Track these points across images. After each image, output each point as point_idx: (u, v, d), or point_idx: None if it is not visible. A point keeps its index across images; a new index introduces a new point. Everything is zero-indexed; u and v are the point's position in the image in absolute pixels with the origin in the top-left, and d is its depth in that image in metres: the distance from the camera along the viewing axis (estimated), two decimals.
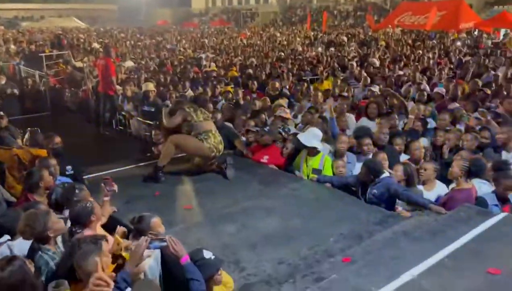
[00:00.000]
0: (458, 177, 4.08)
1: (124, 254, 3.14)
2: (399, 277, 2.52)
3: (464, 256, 2.79)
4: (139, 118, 7.88)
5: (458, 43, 16.08)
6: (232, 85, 9.45)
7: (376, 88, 7.89)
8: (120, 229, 3.34)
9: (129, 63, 12.03)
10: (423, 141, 5.47)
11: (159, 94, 8.36)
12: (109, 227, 3.56)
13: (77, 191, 3.52)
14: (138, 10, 57.02)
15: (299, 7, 48.43)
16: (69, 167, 4.69)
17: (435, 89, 7.69)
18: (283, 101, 7.27)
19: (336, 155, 5.03)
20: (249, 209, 4.26)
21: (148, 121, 7.45)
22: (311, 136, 5.00)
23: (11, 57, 14.26)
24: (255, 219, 4.04)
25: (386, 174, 4.30)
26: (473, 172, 4.07)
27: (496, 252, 2.80)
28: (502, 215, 3.42)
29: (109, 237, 3.23)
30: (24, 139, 5.23)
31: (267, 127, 5.78)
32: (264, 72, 10.91)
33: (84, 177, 4.96)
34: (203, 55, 13.89)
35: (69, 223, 3.30)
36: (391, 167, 4.66)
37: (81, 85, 9.90)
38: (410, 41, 18.20)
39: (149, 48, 16.99)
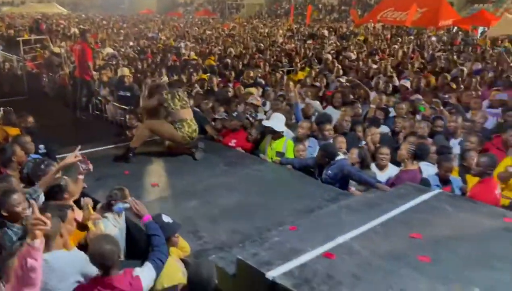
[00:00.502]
0: (405, 159, 4.44)
1: (90, 225, 3.41)
2: (334, 240, 2.85)
3: (393, 224, 3.13)
4: (114, 103, 8.07)
5: (433, 39, 16.57)
6: (209, 74, 9.67)
7: (343, 79, 8.23)
8: (86, 199, 3.57)
9: (108, 50, 12.11)
10: (384, 129, 5.85)
11: (135, 80, 8.54)
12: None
13: (42, 166, 3.73)
14: None
15: (285, 0, 48.41)
16: (41, 146, 4.88)
17: (401, 82, 8.08)
18: (254, 90, 7.54)
19: (297, 139, 5.33)
20: (213, 187, 4.54)
21: (123, 106, 7.65)
22: (276, 121, 5.30)
23: None
24: (217, 195, 4.33)
25: (341, 156, 4.62)
26: (418, 155, 4.44)
27: (422, 221, 3.15)
28: (436, 191, 3.80)
29: (77, 210, 3.48)
30: None
31: (235, 113, 6.06)
32: (241, 62, 11.15)
33: (56, 156, 5.16)
34: (183, 44, 14.04)
35: (43, 198, 3.52)
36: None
37: (58, 70, 9.98)
38: (388, 36, 18.62)
39: (130, 36, 17.01)
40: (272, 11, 46.67)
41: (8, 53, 12.25)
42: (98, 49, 11.48)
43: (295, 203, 4.14)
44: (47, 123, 6.87)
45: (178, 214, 3.84)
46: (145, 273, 2.67)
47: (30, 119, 5.22)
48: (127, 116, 6.72)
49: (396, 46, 14.69)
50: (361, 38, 18.25)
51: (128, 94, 7.77)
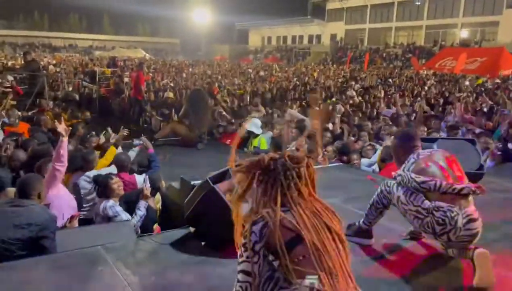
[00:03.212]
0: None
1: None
2: None
3: None
4: (157, 117, 10.29)
5: (467, 83, 17.32)
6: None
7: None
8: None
9: (164, 81, 14.80)
10: None
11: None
12: None
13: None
14: (199, 44, 62.05)
15: (350, 48, 50.19)
16: None
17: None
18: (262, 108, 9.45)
19: None
20: (202, 163, 6.36)
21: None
22: (254, 126, 7.11)
23: (78, 75, 17.70)
24: (202, 165, 6.07)
25: (291, 147, 6.21)
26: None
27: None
28: (340, 164, 5.29)
29: None
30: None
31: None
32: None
33: None
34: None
35: None
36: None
37: (122, 94, 12.61)
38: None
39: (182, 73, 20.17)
40: (336, 58, 48.70)
41: (90, 83, 15.36)
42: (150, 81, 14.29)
43: None
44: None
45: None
46: (140, 177, 4.54)
47: (88, 113, 7.59)
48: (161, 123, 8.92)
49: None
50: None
51: (167, 112, 9.97)
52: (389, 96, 13.42)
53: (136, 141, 5.69)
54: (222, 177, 3.08)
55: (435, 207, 2.65)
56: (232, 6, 60.99)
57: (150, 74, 16.90)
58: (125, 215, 3.87)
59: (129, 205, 4.04)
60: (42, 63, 18.67)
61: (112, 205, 3.91)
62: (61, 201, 3.84)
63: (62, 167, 3.84)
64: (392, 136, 4.25)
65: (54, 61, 24.20)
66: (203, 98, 7.98)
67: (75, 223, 3.54)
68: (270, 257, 1.71)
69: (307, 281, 1.64)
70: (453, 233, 2.63)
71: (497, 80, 19.29)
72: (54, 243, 3.00)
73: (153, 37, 69.18)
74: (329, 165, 5.67)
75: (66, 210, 3.80)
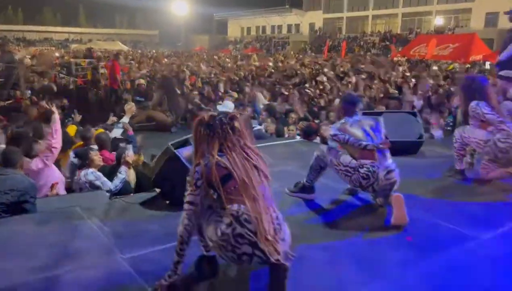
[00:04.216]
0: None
1: None
2: None
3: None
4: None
5: (435, 68, 18.05)
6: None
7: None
8: None
9: (143, 72, 15.07)
10: None
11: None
12: None
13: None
14: (178, 36, 61.80)
15: (328, 37, 50.70)
16: None
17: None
18: (235, 94, 9.87)
19: None
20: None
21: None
22: (226, 107, 7.51)
23: (54, 68, 17.87)
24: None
25: (257, 127, 6.69)
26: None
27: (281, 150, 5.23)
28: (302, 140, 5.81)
29: None
30: None
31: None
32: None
33: None
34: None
35: None
36: None
37: (99, 84, 12.85)
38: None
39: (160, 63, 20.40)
40: (315, 47, 49.23)
41: (66, 75, 15.51)
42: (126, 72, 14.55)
43: None
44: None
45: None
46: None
47: (65, 100, 7.88)
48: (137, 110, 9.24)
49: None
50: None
51: (143, 99, 10.29)
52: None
53: (118, 125, 6.15)
54: (183, 144, 3.52)
55: (360, 165, 3.19)
56: None
57: (128, 65, 17.13)
58: (105, 179, 4.27)
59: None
60: (17, 57, 18.79)
61: (93, 171, 4.31)
62: (55, 174, 4.28)
63: (57, 143, 4.23)
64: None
65: (28, 55, 24.13)
66: (173, 86, 8.36)
67: (55, 191, 3.94)
68: (210, 191, 2.19)
69: (235, 205, 2.12)
70: (376, 184, 3.17)
71: (468, 65, 20.06)
72: (34, 207, 3.41)
73: (131, 29, 68.55)
74: (293, 140, 6.16)
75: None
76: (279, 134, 6.73)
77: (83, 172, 4.29)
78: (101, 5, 64.49)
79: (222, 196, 2.16)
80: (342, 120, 3.41)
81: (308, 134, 6.37)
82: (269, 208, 2.19)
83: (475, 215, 3.31)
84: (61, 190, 4.24)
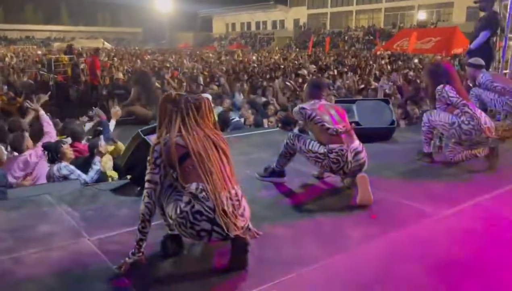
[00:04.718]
0: None
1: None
2: None
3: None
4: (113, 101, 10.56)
5: (416, 60, 18.32)
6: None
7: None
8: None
9: (124, 68, 15.02)
10: None
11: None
12: None
13: None
14: (162, 33, 61.27)
15: (313, 32, 50.84)
16: None
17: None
18: (215, 87, 9.90)
19: None
20: None
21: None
22: None
23: (34, 65, 17.61)
24: None
25: (236, 119, 6.73)
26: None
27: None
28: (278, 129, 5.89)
29: None
30: None
31: None
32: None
33: None
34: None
35: None
36: None
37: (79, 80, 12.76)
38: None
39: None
40: (300, 43, 49.34)
41: (45, 72, 15.36)
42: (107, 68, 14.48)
43: None
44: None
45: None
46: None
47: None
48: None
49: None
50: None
51: (123, 91, 10.24)
52: (341, 73, 14.27)
53: (90, 113, 6.13)
54: (153, 130, 3.53)
55: (329, 150, 3.26)
56: None
57: (110, 61, 17.01)
58: (79, 172, 4.27)
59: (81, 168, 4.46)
60: None
61: (66, 165, 4.30)
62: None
63: (51, 137, 4.54)
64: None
65: (9, 53, 23.82)
66: (149, 80, 8.35)
67: (27, 182, 3.94)
68: (170, 170, 2.24)
69: (194, 184, 2.17)
70: (346, 166, 3.25)
71: (448, 58, 20.37)
72: (5, 195, 3.42)
73: (114, 27, 67.74)
74: (271, 130, 6.24)
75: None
76: (258, 125, 6.80)
77: (55, 167, 4.26)
78: (83, 2, 63.76)
79: (181, 174, 2.21)
80: (312, 102, 3.48)
81: (287, 123, 6.44)
82: (228, 184, 2.25)
83: (436, 194, 3.42)
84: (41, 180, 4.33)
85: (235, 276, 2.21)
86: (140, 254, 2.27)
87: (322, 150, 3.29)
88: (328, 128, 3.26)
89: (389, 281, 2.22)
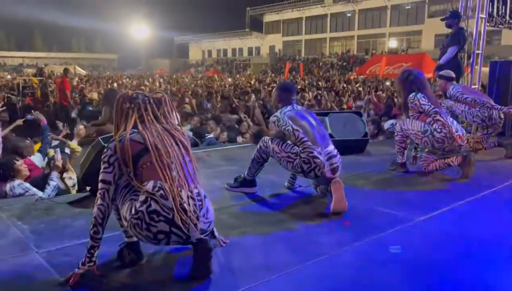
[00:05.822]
0: None
1: None
2: None
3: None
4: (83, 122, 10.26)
5: (387, 83, 18.76)
6: None
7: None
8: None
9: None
10: None
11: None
12: None
13: None
14: (138, 59, 61.18)
15: (288, 59, 51.70)
16: None
17: None
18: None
19: None
20: None
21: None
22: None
23: (3, 90, 17.29)
24: None
25: (211, 135, 6.57)
26: None
27: None
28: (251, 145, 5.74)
29: None
30: None
31: None
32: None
33: None
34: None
35: None
36: None
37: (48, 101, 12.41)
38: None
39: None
40: (276, 69, 50.01)
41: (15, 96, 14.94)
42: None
43: None
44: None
45: None
46: (35, 157, 4.62)
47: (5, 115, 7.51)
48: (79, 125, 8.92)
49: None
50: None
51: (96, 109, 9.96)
52: (315, 96, 14.48)
53: (28, 117, 5.95)
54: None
55: (302, 150, 3.12)
56: (171, 21, 60.96)
57: (82, 85, 16.69)
58: (35, 189, 3.97)
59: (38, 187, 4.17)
60: None
61: (20, 183, 4.00)
62: None
63: None
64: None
65: None
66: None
67: None
68: (125, 168, 2.05)
69: (151, 182, 1.99)
70: (318, 169, 3.10)
71: None
72: None
73: (89, 53, 67.23)
74: (243, 145, 6.10)
75: None
76: (231, 141, 6.65)
77: (8, 185, 3.94)
78: (57, 28, 63.21)
79: (137, 173, 2.03)
80: (289, 107, 3.35)
81: (259, 137, 6.32)
82: (190, 183, 2.08)
83: (410, 201, 3.32)
84: None
85: (198, 284, 2.01)
86: (92, 263, 2.05)
87: (295, 149, 3.17)
88: (299, 137, 3.15)
89: (363, 287, 2.06)
